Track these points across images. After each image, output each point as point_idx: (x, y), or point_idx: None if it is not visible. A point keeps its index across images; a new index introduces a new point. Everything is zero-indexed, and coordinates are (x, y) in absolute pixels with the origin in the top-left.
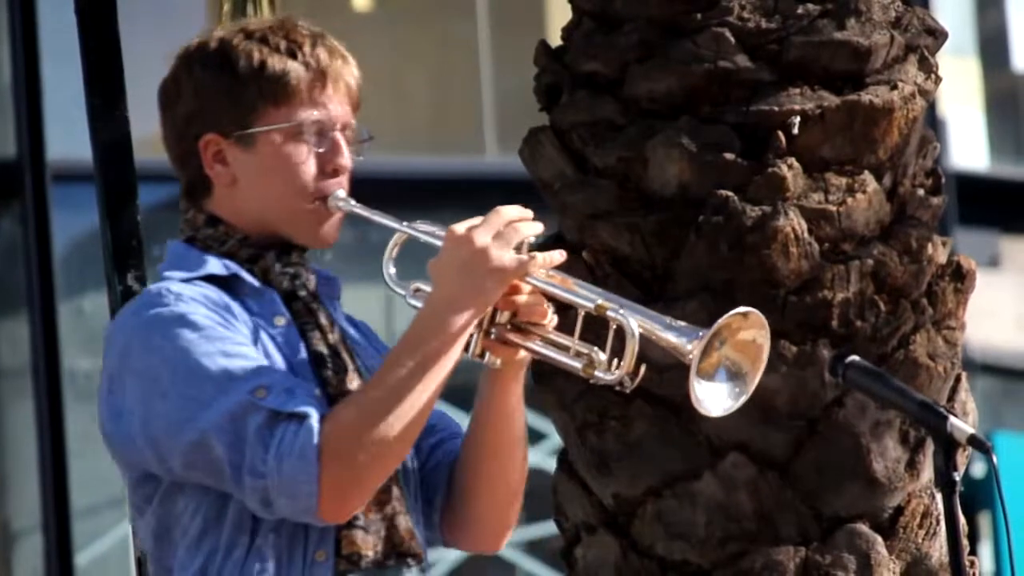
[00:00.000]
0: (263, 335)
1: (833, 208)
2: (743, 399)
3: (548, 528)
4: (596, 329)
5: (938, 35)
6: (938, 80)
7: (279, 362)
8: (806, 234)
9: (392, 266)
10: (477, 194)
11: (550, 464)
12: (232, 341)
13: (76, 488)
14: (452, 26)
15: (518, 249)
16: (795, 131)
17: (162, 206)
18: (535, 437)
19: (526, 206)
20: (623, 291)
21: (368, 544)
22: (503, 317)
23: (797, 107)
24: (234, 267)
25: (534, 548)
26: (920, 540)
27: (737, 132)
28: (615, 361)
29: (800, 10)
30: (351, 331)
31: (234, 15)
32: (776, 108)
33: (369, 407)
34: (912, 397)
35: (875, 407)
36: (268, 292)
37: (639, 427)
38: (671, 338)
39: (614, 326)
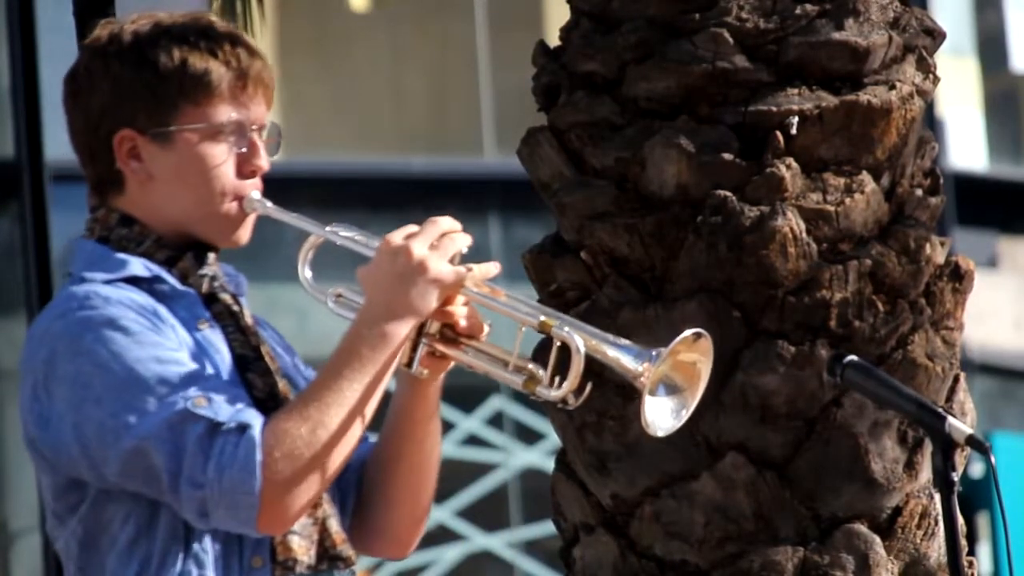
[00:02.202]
0: (190, 339)
1: (831, 208)
2: (684, 418)
3: (546, 528)
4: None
5: (936, 35)
6: (936, 80)
7: (208, 367)
8: (804, 234)
9: (308, 270)
10: (475, 194)
11: (548, 464)
12: (164, 347)
13: None
14: (450, 26)
15: (452, 261)
16: (793, 131)
17: None
18: (534, 437)
19: (525, 205)
20: (621, 292)
21: (303, 549)
22: (433, 327)
23: (795, 107)
24: (156, 268)
25: (532, 548)
26: (918, 540)
27: (735, 132)
28: (556, 379)
29: (798, 10)
30: (261, 331)
31: (223, 13)
32: (774, 108)
33: (311, 419)
34: (910, 397)
35: (873, 407)
36: (190, 295)
37: (637, 427)
38: (618, 356)
39: (558, 342)
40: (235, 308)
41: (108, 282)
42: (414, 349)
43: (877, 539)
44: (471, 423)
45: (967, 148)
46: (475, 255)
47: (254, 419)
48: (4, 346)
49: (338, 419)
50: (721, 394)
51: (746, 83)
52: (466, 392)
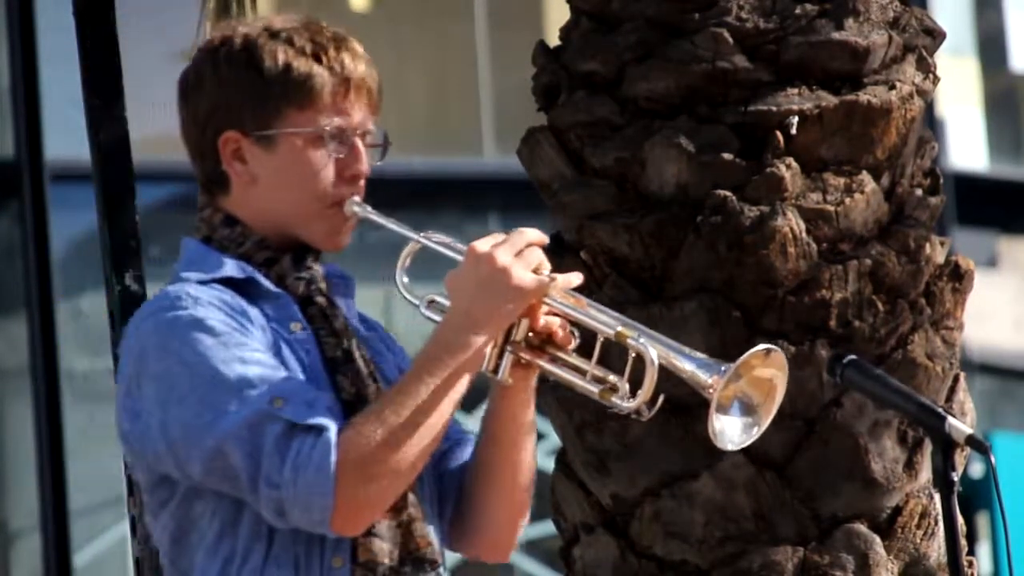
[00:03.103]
0: (279, 341)
1: (831, 208)
2: (756, 435)
3: (546, 528)
4: (618, 353)
5: (936, 35)
6: (936, 80)
7: (295, 369)
8: (804, 234)
9: (405, 275)
10: (475, 194)
11: (548, 464)
12: (249, 348)
13: (74, 488)
14: (450, 26)
15: (537, 270)
16: (793, 131)
17: (161, 206)
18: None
19: (525, 205)
20: (621, 292)
21: (384, 551)
22: (518, 335)
23: (795, 107)
24: (250, 270)
25: (532, 548)
26: (918, 540)
27: (735, 132)
28: (631, 389)
29: (798, 10)
30: (365, 332)
31: (217, 12)
32: (774, 108)
33: (387, 422)
34: (910, 397)
35: (873, 407)
36: (284, 297)
37: (637, 427)
38: (691, 369)
39: (633, 353)
40: (329, 311)
41: (202, 282)
42: (501, 356)
43: (877, 539)
44: (471, 423)
45: (967, 148)
46: None
47: (331, 421)
48: (2, 346)
49: (414, 423)
50: None
51: (746, 83)
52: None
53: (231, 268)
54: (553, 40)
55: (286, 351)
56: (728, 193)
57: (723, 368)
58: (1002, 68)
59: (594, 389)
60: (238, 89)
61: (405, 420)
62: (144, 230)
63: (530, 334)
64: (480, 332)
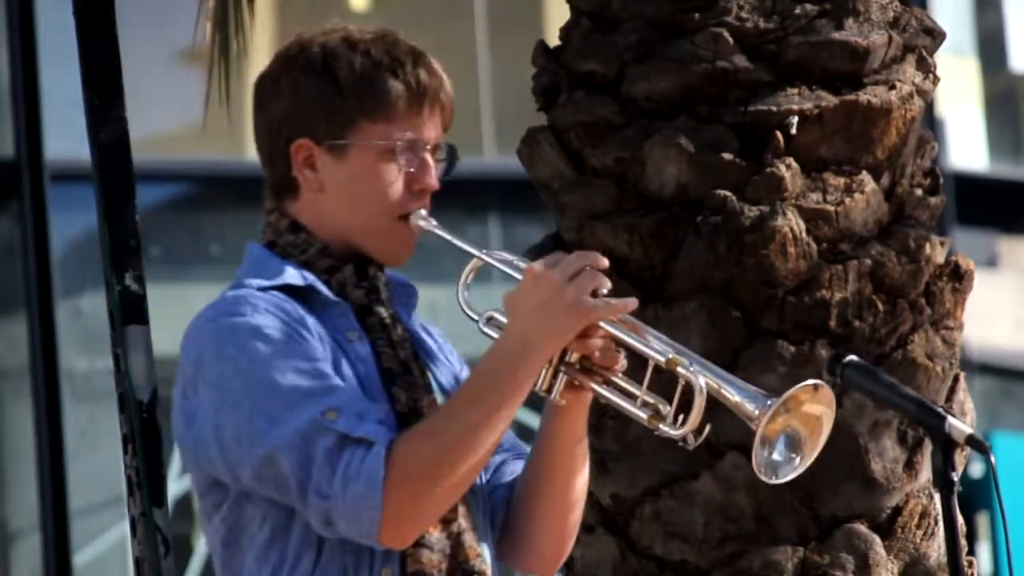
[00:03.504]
0: (336, 350)
1: (831, 208)
2: (799, 469)
3: None
4: (667, 377)
5: (936, 35)
6: (936, 80)
7: (351, 378)
8: (804, 234)
9: (467, 291)
10: (475, 194)
11: None
12: (305, 356)
13: (74, 488)
14: (450, 26)
15: (594, 293)
16: (793, 131)
17: (161, 206)
18: (534, 437)
19: (525, 205)
20: (621, 292)
21: (433, 562)
22: (573, 357)
23: (795, 107)
24: (311, 278)
25: None
26: (918, 540)
27: (735, 132)
28: (680, 416)
29: (798, 10)
30: (427, 342)
31: (216, 12)
32: (774, 108)
33: (439, 438)
34: (910, 397)
35: (873, 407)
36: (342, 306)
37: (637, 427)
38: (739, 400)
39: (682, 381)
40: (388, 321)
41: (263, 288)
42: (555, 376)
43: (877, 539)
44: None
45: (967, 148)
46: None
47: (382, 434)
48: (2, 346)
49: (465, 440)
50: None
51: (746, 83)
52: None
53: (292, 275)
54: (553, 40)
55: (343, 361)
56: (728, 193)
57: (769, 401)
58: (1002, 68)
59: (643, 415)
60: (314, 97)
61: (456, 437)
62: (144, 230)
63: (583, 356)
64: (536, 353)
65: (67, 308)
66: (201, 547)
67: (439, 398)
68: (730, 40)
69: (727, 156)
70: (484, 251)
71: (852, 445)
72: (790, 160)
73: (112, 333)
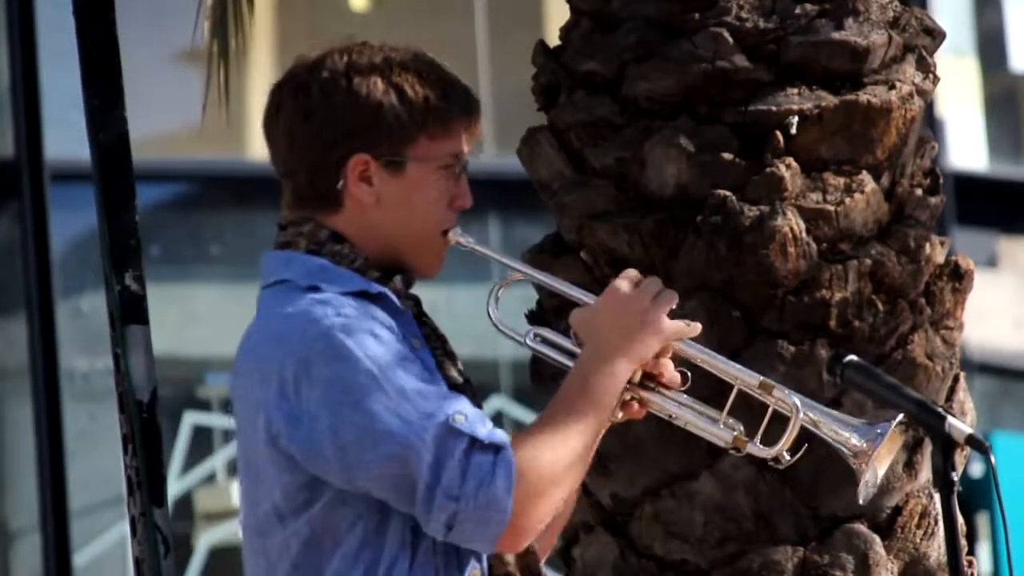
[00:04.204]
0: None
1: (831, 208)
2: (872, 491)
3: None
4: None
5: (936, 35)
6: (936, 80)
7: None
8: (804, 234)
9: (496, 307)
10: (475, 194)
11: None
12: (413, 360)
13: (74, 488)
14: (450, 26)
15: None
16: (793, 131)
17: (161, 206)
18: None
19: (525, 205)
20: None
21: (512, 564)
22: (637, 376)
23: (795, 107)
24: (379, 287)
25: None
26: (918, 540)
27: (735, 132)
28: (758, 435)
29: (798, 10)
30: None
31: (215, 12)
32: (774, 108)
33: (554, 447)
34: (910, 397)
35: (873, 407)
36: (407, 314)
37: (637, 427)
38: (838, 430)
39: (773, 402)
40: (440, 331)
41: (344, 294)
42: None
43: (877, 539)
44: None
45: (967, 148)
46: (475, 258)
47: (507, 440)
48: (2, 346)
49: (574, 449)
50: (720, 395)
51: (746, 83)
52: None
53: (364, 283)
54: (553, 40)
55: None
56: (728, 193)
57: (878, 431)
58: (1002, 68)
59: (727, 435)
60: (378, 115)
61: (568, 447)
62: (144, 230)
63: (645, 376)
64: (628, 365)
65: (67, 308)
66: (201, 547)
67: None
68: (730, 40)
69: (727, 156)
70: (525, 266)
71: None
72: (790, 160)
73: (112, 333)
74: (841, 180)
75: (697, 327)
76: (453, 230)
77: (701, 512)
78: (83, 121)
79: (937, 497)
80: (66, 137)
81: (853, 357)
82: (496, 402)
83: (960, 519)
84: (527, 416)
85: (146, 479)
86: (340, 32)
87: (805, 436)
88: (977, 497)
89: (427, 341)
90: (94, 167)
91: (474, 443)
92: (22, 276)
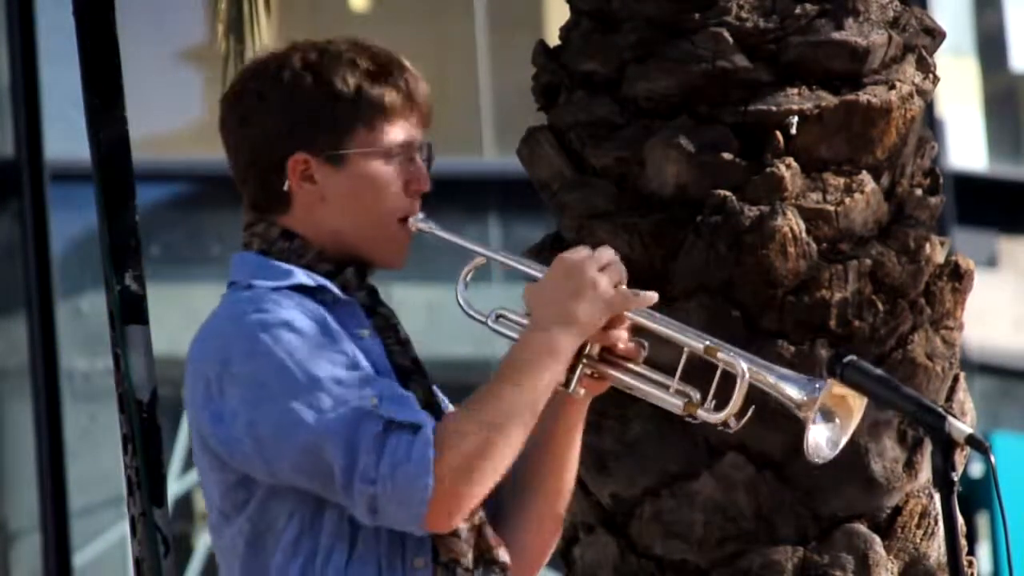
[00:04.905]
0: (353, 347)
1: (831, 208)
2: (838, 449)
3: None
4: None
5: (936, 35)
6: (936, 80)
7: (376, 371)
8: (804, 234)
9: (466, 290)
10: (475, 194)
11: None
12: (335, 348)
13: (74, 488)
14: (450, 26)
15: (617, 286)
16: (793, 131)
17: (161, 206)
18: None
19: (525, 205)
20: None
21: (462, 551)
22: (594, 349)
23: (795, 107)
24: (319, 278)
25: None
26: (918, 540)
27: (735, 132)
28: (712, 402)
29: (798, 10)
30: None
31: (229, 12)
32: (774, 108)
33: (482, 421)
34: (910, 397)
35: (873, 407)
36: (352, 304)
37: (637, 427)
38: (782, 385)
39: (721, 366)
40: (393, 320)
41: (274, 289)
42: (572, 370)
43: (877, 539)
44: None
45: (967, 148)
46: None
47: (426, 419)
48: (2, 346)
49: (507, 423)
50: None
51: (746, 83)
52: (466, 392)
53: (301, 276)
54: (553, 40)
55: (359, 355)
56: (728, 193)
57: (816, 385)
58: (1002, 68)
59: (678, 403)
60: (309, 111)
61: (499, 420)
62: (144, 230)
63: (603, 349)
64: (570, 338)
65: (67, 308)
66: (201, 547)
67: (443, 399)
68: (730, 40)
69: (727, 156)
70: (488, 248)
71: (852, 445)
72: (790, 160)
73: (112, 333)
74: (841, 180)
75: (649, 296)
76: (413, 217)
77: (701, 512)
78: (83, 121)
79: (937, 497)
80: (66, 137)
81: (853, 357)
82: None
83: (960, 519)
84: None
85: (146, 479)
86: (341, 32)
87: (757, 401)
88: (977, 497)
89: (379, 331)
90: (94, 167)
91: (390, 425)
92: (22, 276)
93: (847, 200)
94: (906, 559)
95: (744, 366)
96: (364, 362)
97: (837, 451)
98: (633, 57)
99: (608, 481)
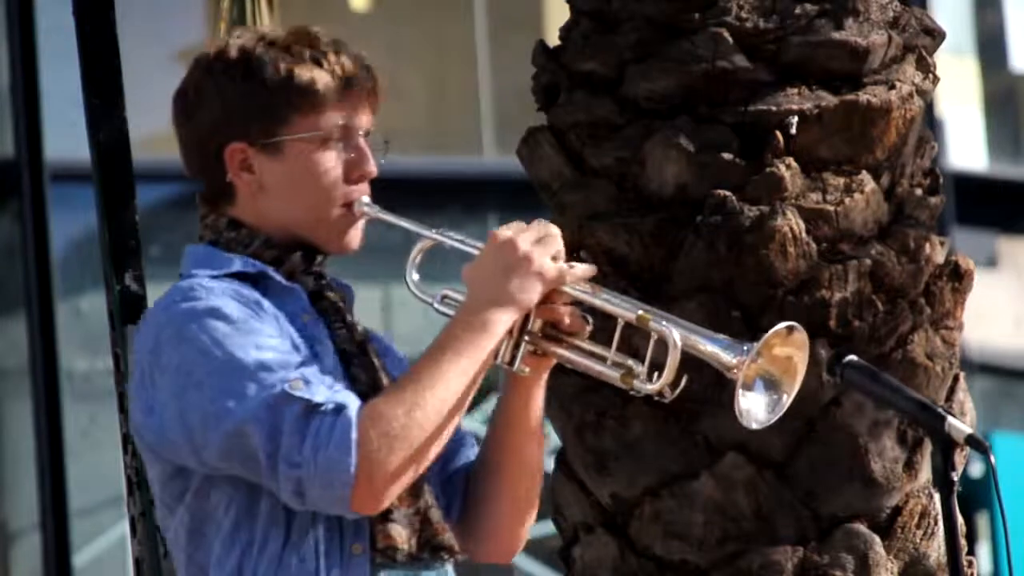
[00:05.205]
0: (292, 331)
1: (831, 208)
2: (779, 412)
3: (546, 528)
4: (636, 340)
5: (936, 35)
6: (936, 80)
7: (309, 355)
8: (804, 234)
9: (416, 273)
10: (475, 194)
11: (548, 464)
12: (264, 334)
13: (74, 488)
14: (450, 26)
15: (554, 259)
16: (793, 131)
17: (161, 206)
18: None
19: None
20: (621, 292)
21: (403, 538)
22: (536, 325)
23: (795, 107)
24: (261, 265)
25: (532, 548)
26: (918, 540)
27: (735, 132)
28: (654, 373)
29: (798, 10)
30: (377, 337)
31: (231, 11)
32: (774, 108)
33: (406, 401)
34: (910, 397)
35: (873, 407)
36: (295, 290)
37: (637, 427)
38: (714, 350)
39: (655, 336)
40: (340, 304)
41: (214, 277)
42: (516, 347)
43: (877, 539)
44: (471, 423)
45: (967, 148)
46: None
47: (351, 400)
48: (2, 346)
49: (435, 403)
50: (720, 394)
51: (746, 83)
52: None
53: (240, 264)
54: (553, 40)
55: (301, 342)
56: (728, 193)
57: (746, 347)
58: (1002, 68)
59: (615, 374)
60: (241, 101)
61: (426, 398)
62: (144, 230)
63: (545, 324)
64: (501, 315)
65: (67, 308)
66: None
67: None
68: (730, 40)
69: (727, 156)
70: (436, 230)
71: (852, 445)
72: (790, 160)
73: (112, 333)
74: (841, 180)
75: (585, 270)
76: (357, 202)
77: (701, 512)
78: (83, 121)
79: (937, 497)
80: (66, 137)
81: (853, 357)
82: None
83: (960, 519)
84: None
85: (146, 479)
86: (341, 32)
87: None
88: (977, 497)
89: (324, 315)
90: (94, 167)
91: (313, 407)
92: (22, 276)
93: (847, 200)
94: (906, 559)
95: (676, 335)
96: (299, 345)
97: (777, 415)
98: (633, 57)
99: (608, 481)
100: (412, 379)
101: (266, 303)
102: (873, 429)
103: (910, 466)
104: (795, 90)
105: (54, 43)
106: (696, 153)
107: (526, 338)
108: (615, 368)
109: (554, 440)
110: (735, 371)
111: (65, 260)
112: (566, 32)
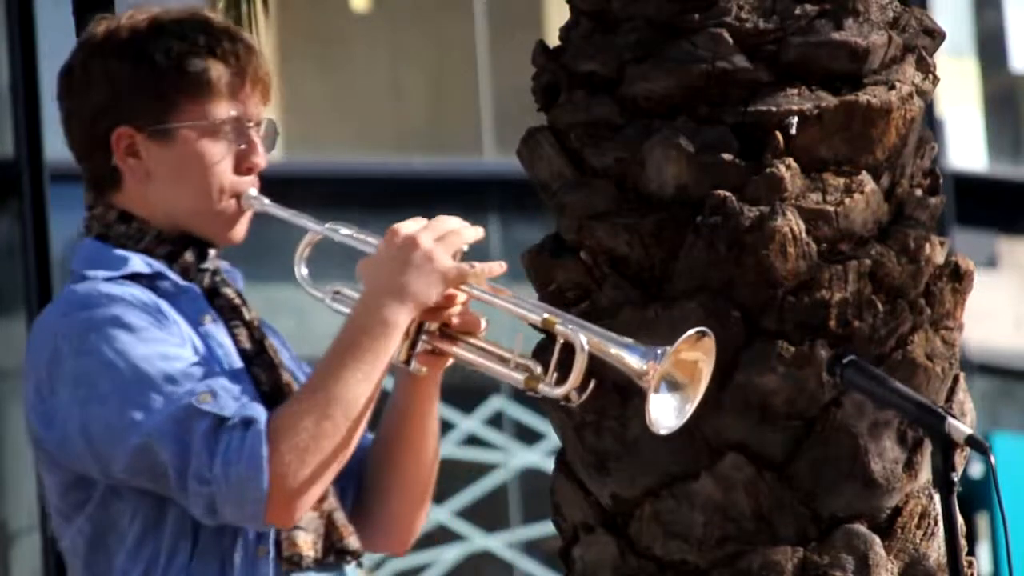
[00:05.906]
0: (193, 335)
1: (831, 208)
2: (687, 416)
3: (546, 528)
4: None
5: (936, 35)
6: (936, 80)
7: (213, 362)
8: (804, 234)
9: (304, 267)
10: (475, 194)
11: (548, 464)
12: (169, 343)
13: None
14: (450, 26)
15: (455, 257)
16: (793, 131)
17: None
18: (534, 437)
19: (525, 205)
20: (621, 292)
21: (308, 543)
22: (432, 325)
23: (795, 107)
24: (157, 265)
25: (532, 548)
26: (918, 540)
27: (735, 132)
28: (558, 376)
29: (798, 10)
30: (270, 329)
31: (227, 13)
32: (774, 108)
33: (314, 411)
34: (910, 397)
35: (873, 407)
36: (192, 290)
37: (637, 427)
38: (622, 355)
39: (561, 340)
40: (237, 302)
41: (109, 279)
42: (412, 347)
43: (877, 539)
44: (471, 423)
45: (967, 148)
46: (475, 255)
47: (259, 413)
48: (4, 346)
49: (342, 409)
50: (721, 394)
51: (746, 83)
52: (466, 392)
53: (137, 263)
54: (553, 40)
55: (200, 344)
56: (728, 193)
57: (658, 352)
58: (1002, 68)
59: (519, 377)
60: (130, 84)
61: (333, 407)
62: None
63: (443, 324)
64: (400, 313)
65: None
66: None
67: (295, 376)
68: (730, 40)
69: (727, 156)
70: (327, 225)
71: (852, 445)
72: (790, 160)
73: None
74: (841, 180)
75: (489, 268)
76: (245, 194)
77: (701, 512)
78: None
79: (937, 497)
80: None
81: (853, 357)
82: (496, 402)
83: (960, 519)
84: (527, 416)
85: None
86: (341, 32)
87: (598, 374)
88: (977, 497)
89: (221, 313)
90: None
91: (222, 421)
92: (22, 276)
93: (847, 200)
94: (906, 559)
95: (583, 338)
96: (202, 351)
97: (684, 419)
98: (633, 57)
99: (608, 481)
100: (318, 387)
101: (165, 306)
102: (873, 429)
103: (910, 466)
104: (795, 90)
105: (54, 43)
106: (696, 153)
107: (423, 337)
108: (518, 370)
109: (554, 440)
110: (646, 378)
111: (65, 260)
112: (566, 32)
